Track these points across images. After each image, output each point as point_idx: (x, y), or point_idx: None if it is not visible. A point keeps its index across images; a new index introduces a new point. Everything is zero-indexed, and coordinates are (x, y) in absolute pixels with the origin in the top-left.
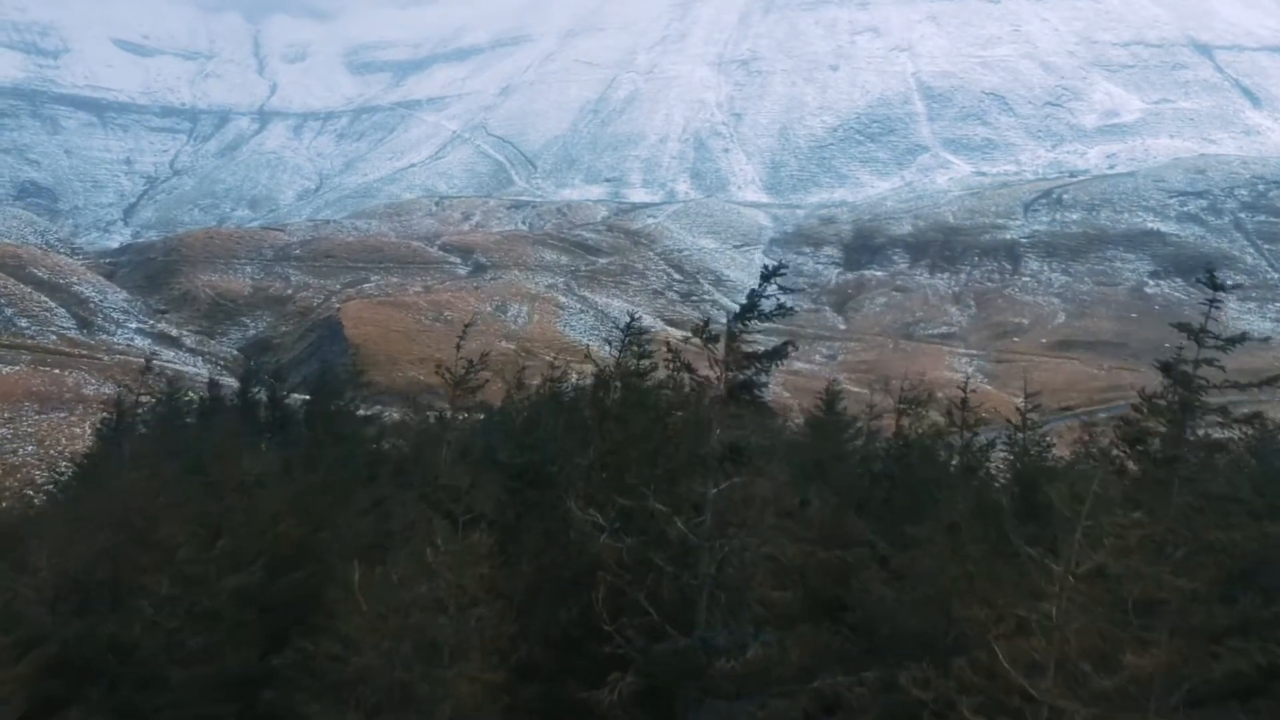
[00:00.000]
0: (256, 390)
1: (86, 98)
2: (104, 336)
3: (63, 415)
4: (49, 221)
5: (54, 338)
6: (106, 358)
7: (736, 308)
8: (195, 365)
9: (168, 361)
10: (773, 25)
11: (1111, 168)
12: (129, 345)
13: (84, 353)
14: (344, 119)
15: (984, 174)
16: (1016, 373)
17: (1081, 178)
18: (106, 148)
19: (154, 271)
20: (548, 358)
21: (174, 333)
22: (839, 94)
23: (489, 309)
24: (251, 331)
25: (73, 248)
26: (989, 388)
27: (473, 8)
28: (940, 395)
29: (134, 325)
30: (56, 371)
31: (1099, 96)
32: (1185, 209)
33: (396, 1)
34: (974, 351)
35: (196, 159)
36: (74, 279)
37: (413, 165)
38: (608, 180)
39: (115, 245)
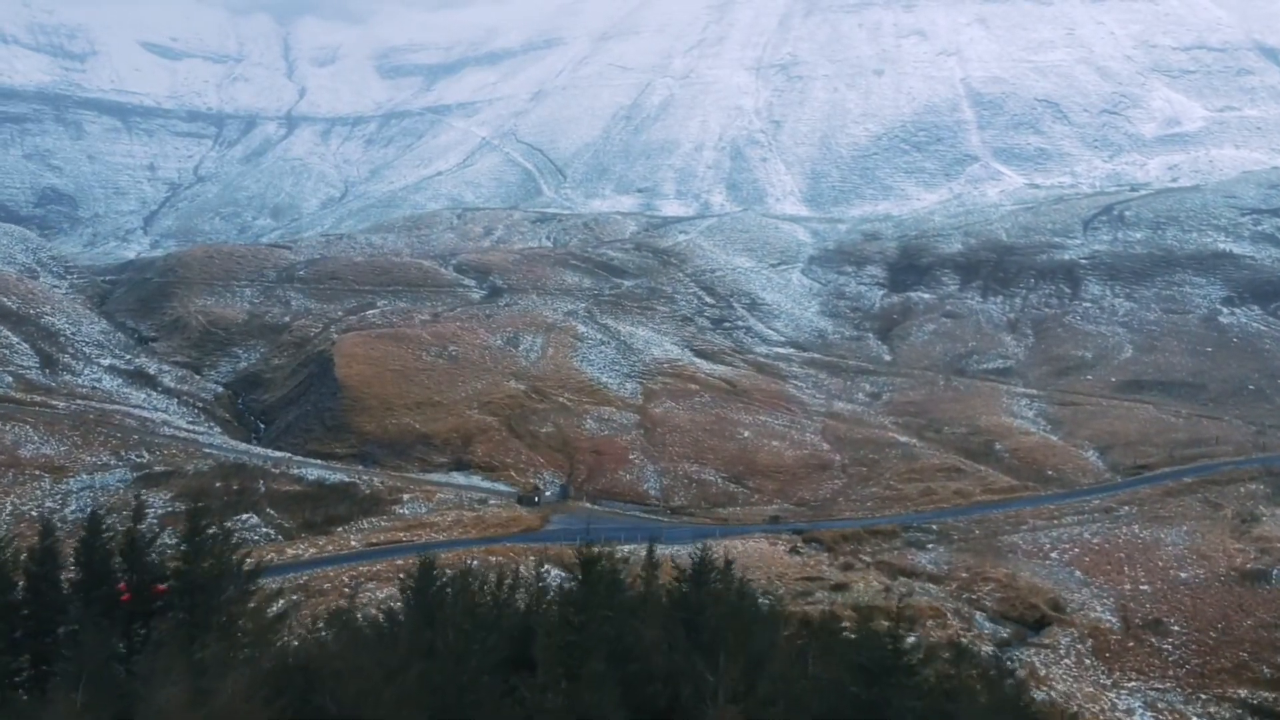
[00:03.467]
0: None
1: (112, 101)
2: (68, 377)
3: None
4: (66, 230)
5: (9, 379)
6: (63, 405)
7: (771, 335)
8: (168, 410)
9: (135, 407)
10: (814, 28)
11: (1174, 180)
12: (93, 388)
13: (39, 398)
14: (372, 124)
15: (1037, 186)
16: (1084, 419)
17: (1143, 192)
18: (130, 153)
19: (148, 294)
20: (562, 399)
21: (152, 369)
22: (883, 100)
23: (499, 342)
24: (243, 363)
25: (67, 266)
26: (1053, 438)
27: (505, 10)
28: (999, 447)
29: (107, 362)
30: None
31: (1159, 104)
32: (1259, 228)
33: (428, 3)
34: (1033, 391)
35: (221, 165)
36: (47, 308)
37: (439, 173)
38: (639, 191)
39: (131, 255)
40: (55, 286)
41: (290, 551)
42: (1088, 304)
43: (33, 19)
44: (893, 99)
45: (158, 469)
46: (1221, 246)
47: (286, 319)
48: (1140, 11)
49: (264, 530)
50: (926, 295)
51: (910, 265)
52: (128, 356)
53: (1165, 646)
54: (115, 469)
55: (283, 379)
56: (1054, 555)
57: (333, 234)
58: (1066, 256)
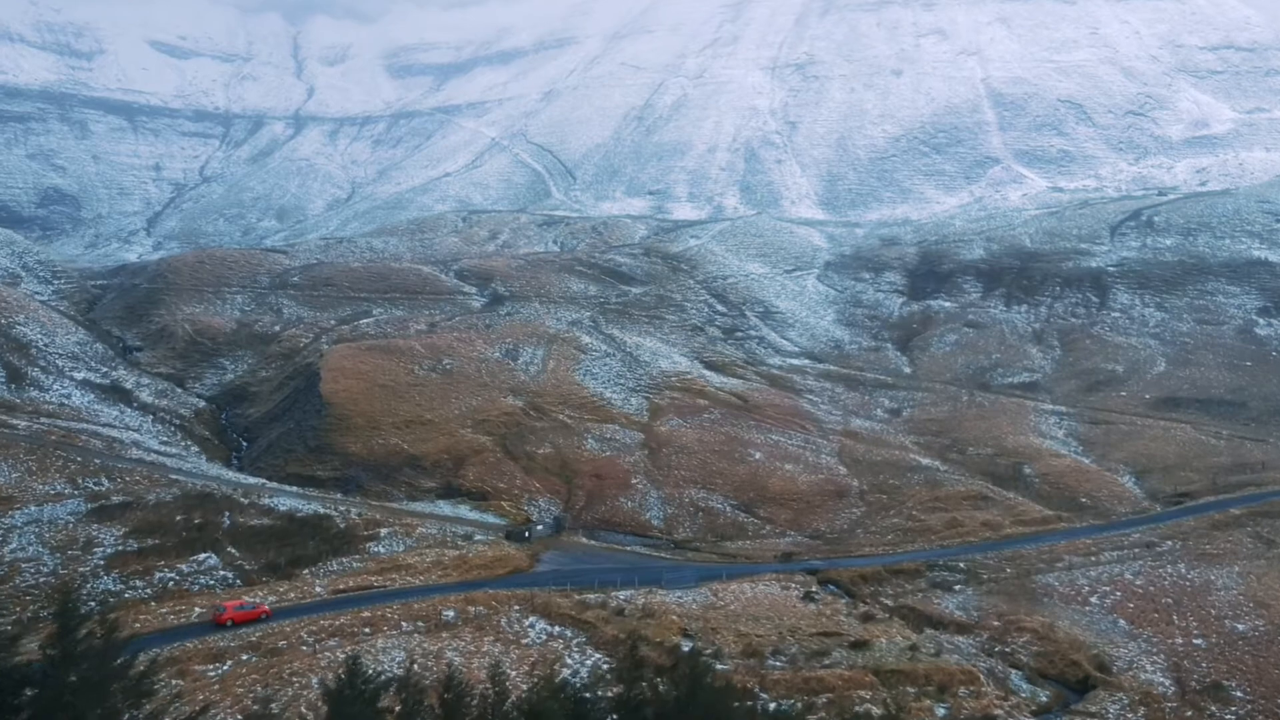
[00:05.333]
0: None
1: (118, 101)
2: (34, 393)
3: None
4: (68, 232)
5: None
6: (24, 424)
7: (785, 345)
8: (140, 429)
9: (104, 426)
10: (831, 27)
11: (1203, 184)
12: (61, 405)
13: None
14: (381, 124)
15: (1061, 189)
16: (1117, 439)
17: (1171, 196)
18: (135, 153)
19: (136, 301)
20: (562, 416)
21: (129, 383)
22: (902, 101)
23: (497, 354)
24: (229, 375)
25: (55, 271)
26: (1085, 461)
27: (517, 9)
28: (1029, 471)
29: (80, 375)
30: None
31: (1186, 105)
32: None
33: (440, 2)
34: (1062, 408)
35: (227, 166)
36: (20, 317)
37: (447, 174)
38: (650, 193)
39: (132, 257)
40: (36, 293)
41: (247, 600)
42: (1116, 314)
43: (39, 17)
44: (911, 100)
45: (115, 500)
46: (1256, 254)
47: (277, 328)
48: (1166, 10)
49: (221, 573)
50: (947, 304)
51: (930, 272)
52: (104, 369)
53: (1228, 717)
54: (68, 500)
55: (268, 393)
56: (1094, 600)
57: (332, 238)
58: (1093, 264)
